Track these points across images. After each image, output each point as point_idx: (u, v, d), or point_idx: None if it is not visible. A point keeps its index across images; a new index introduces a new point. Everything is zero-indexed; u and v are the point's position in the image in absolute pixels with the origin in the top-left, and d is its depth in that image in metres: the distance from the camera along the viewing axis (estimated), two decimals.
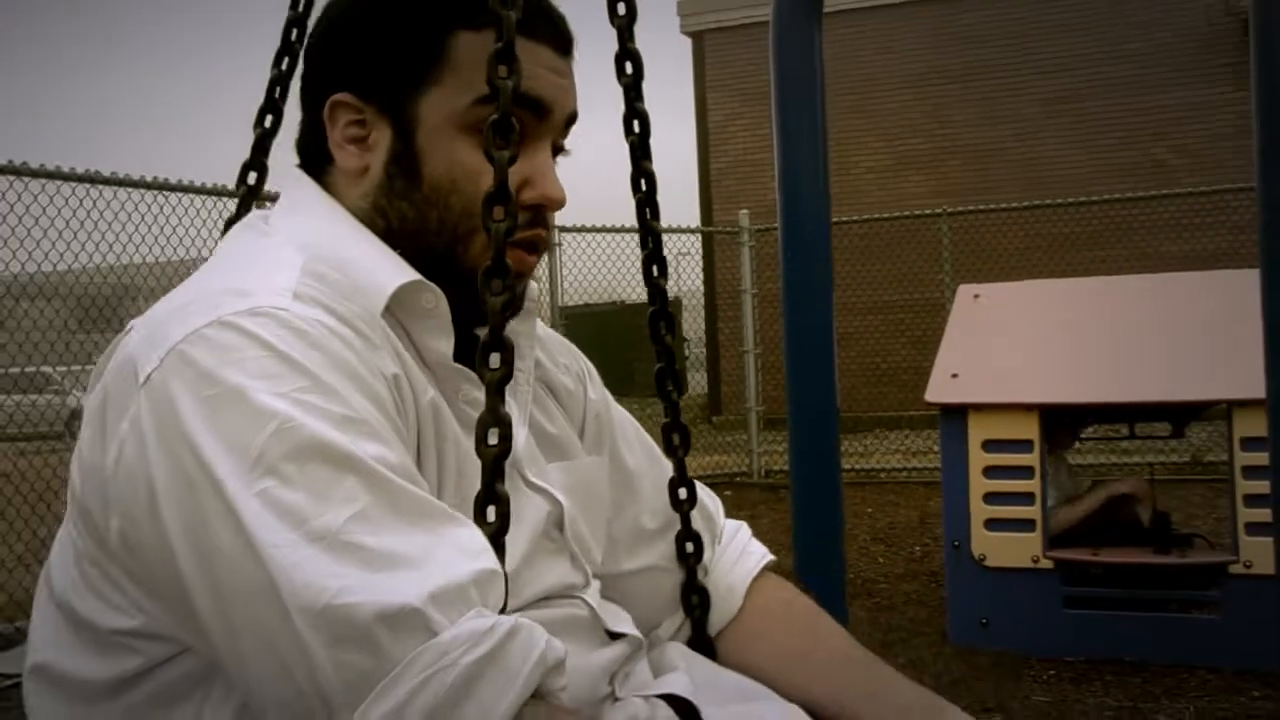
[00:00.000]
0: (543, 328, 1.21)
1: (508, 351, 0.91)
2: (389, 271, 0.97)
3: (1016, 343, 4.21)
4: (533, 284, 1.10)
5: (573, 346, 1.28)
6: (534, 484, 1.05)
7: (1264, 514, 3.52)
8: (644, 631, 1.15)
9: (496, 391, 0.90)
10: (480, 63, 0.94)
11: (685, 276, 12.40)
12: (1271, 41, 2.21)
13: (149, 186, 5.67)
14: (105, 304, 6.09)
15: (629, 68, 1.17)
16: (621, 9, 1.15)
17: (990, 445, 4.01)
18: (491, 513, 0.88)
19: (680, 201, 16.18)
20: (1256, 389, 3.06)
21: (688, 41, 15.07)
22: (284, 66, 1.24)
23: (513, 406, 1.08)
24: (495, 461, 0.89)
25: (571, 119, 1.05)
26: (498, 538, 0.87)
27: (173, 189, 5.76)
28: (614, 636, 1.08)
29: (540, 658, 0.80)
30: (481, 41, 0.96)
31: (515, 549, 0.98)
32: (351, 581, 0.75)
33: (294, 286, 0.90)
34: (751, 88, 13.32)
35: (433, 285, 0.98)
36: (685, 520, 1.22)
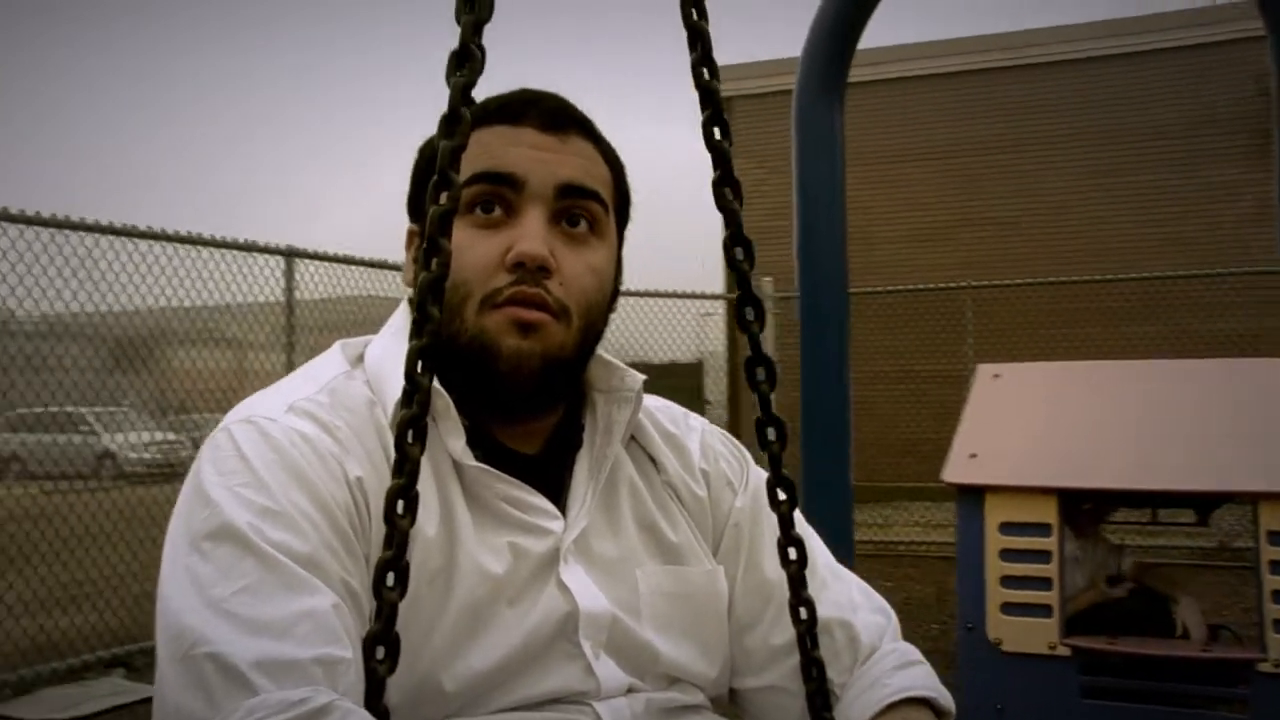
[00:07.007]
0: (696, 428, 1.23)
1: (422, 393, 0.88)
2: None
3: (1037, 424, 4.13)
4: (638, 374, 1.13)
5: (741, 454, 1.26)
6: (562, 582, 1.04)
7: None
8: None
9: (402, 437, 0.88)
10: (470, 158, 0.95)
11: (709, 339, 12.39)
12: None
13: (181, 241, 5.98)
14: (137, 347, 6.22)
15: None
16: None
17: (1007, 528, 3.92)
18: (391, 578, 0.88)
19: (707, 266, 16.24)
20: None
21: None
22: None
23: (578, 493, 1.09)
24: (396, 521, 0.87)
25: (566, 189, 1.07)
26: (393, 610, 0.87)
27: (204, 244, 6.10)
28: None
29: None
30: (474, 140, 0.94)
31: (508, 643, 0.99)
32: (216, 639, 0.85)
33: (295, 400, 1.02)
34: (776, 153, 13.34)
35: (439, 389, 1.00)
36: (803, 637, 1.10)
